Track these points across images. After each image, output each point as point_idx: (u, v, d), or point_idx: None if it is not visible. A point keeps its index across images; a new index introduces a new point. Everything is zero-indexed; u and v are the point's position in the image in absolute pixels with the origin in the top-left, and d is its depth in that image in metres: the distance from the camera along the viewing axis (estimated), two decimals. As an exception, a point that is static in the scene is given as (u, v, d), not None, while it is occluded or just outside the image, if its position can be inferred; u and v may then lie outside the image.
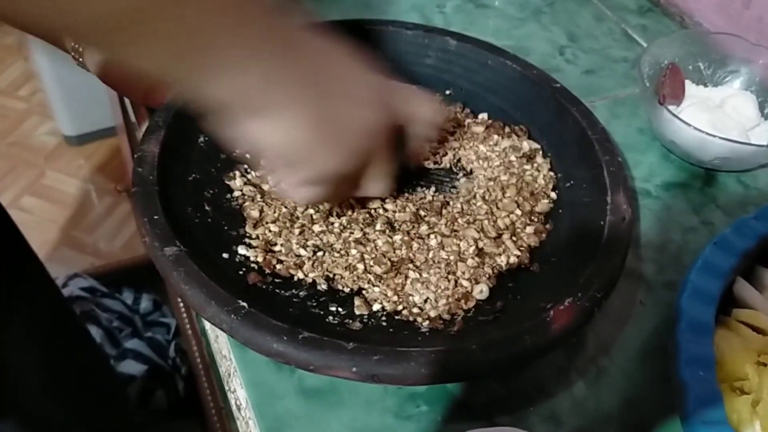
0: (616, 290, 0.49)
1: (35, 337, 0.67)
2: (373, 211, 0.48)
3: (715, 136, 0.54)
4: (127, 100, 0.78)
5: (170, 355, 1.37)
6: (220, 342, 0.45)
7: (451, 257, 0.46)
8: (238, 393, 0.43)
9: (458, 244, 0.47)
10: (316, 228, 0.47)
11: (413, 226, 0.48)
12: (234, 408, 0.43)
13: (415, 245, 0.46)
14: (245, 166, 0.50)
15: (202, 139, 0.49)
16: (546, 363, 0.45)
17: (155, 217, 0.41)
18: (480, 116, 0.57)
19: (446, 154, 0.54)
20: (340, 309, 0.43)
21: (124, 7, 0.29)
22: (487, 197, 0.50)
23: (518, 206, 0.50)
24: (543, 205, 0.51)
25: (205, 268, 0.39)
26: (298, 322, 0.37)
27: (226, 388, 0.44)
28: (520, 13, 0.74)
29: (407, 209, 0.49)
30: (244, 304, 0.37)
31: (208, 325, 0.46)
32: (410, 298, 0.44)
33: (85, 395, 0.81)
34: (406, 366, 0.36)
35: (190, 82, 0.34)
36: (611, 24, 0.74)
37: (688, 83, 0.62)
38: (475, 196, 0.51)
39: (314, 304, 0.43)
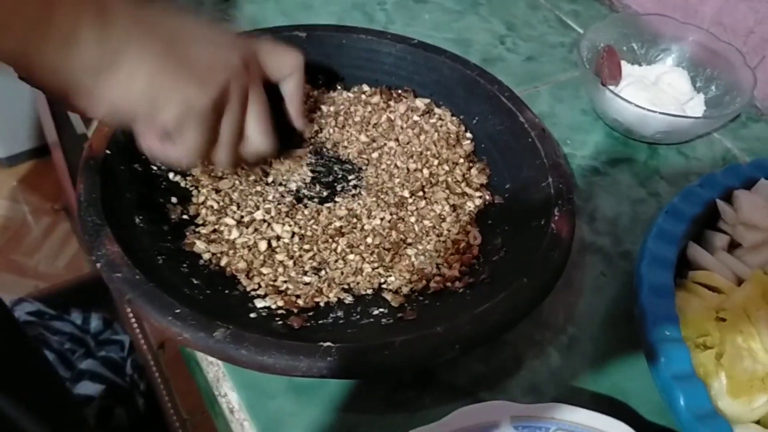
0: (577, 264, 0.52)
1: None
2: (335, 217, 0.49)
3: (655, 111, 0.57)
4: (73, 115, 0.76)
5: (127, 372, 1.35)
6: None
7: (434, 222, 0.49)
8: (229, 396, 0.43)
9: (433, 209, 0.50)
10: (304, 249, 0.47)
11: (388, 212, 0.49)
12: (226, 412, 0.44)
13: (401, 226, 0.48)
14: (192, 227, 0.48)
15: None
16: (521, 337, 0.47)
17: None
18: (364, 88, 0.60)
19: (354, 141, 0.56)
20: (382, 310, 0.44)
21: None
22: (419, 161, 0.53)
23: (451, 159, 0.54)
24: (467, 146, 0.55)
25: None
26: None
27: (216, 392, 0.45)
28: (458, 6, 0.76)
29: (367, 202, 0.50)
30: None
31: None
32: (424, 270, 0.46)
33: (45, 421, 0.79)
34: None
35: (40, 58, 0.35)
36: (545, 12, 0.77)
37: (624, 64, 0.65)
38: (408, 167, 0.53)
39: (357, 317, 0.43)
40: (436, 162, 0.53)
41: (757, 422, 0.41)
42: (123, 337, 1.41)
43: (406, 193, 0.51)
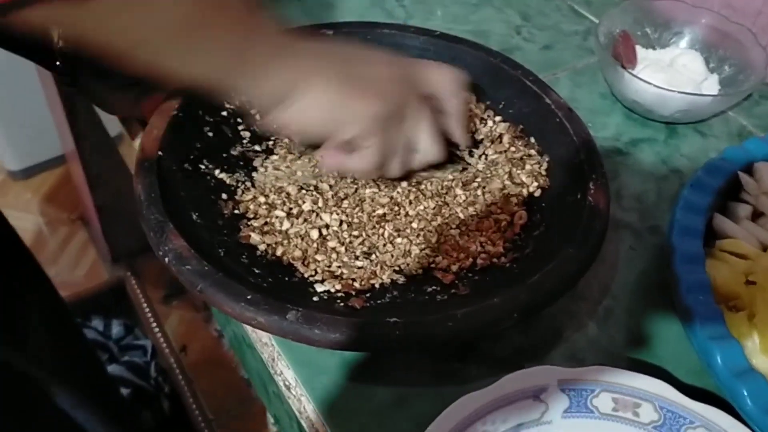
0: (608, 239, 0.54)
1: (54, 348, 0.69)
2: (378, 204, 0.51)
3: (673, 91, 0.59)
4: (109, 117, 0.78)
5: (152, 375, 1.37)
6: (258, 332, 0.48)
7: (481, 207, 0.51)
8: (285, 374, 0.45)
9: (484, 198, 0.52)
10: (354, 235, 0.49)
11: (440, 197, 0.51)
12: (283, 389, 0.46)
13: (445, 212, 0.50)
14: (245, 221, 0.49)
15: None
16: (559, 310, 0.49)
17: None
18: None
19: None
20: (435, 287, 0.46)
21: (177, 17, 0.32)
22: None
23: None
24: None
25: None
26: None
27: (271, 371, 0.47)
28: (473, -1, 0.79)
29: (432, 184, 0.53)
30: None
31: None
32: (470, 248, 0.48)
33: (109, 405, 0.83)
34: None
35: (239, 82, 0.41)
36: (558, 1, 0.80)
37: (638, 48, 0.68)
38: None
39: (412, 296, 0.45)
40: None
41: (791, 378, 0.43)
42: (145, 341, 1.43)
43: (455, 183, 0.52)
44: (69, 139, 1.30)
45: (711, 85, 0.65)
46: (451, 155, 0.54)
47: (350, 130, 0.46)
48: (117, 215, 1.45)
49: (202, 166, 0.52)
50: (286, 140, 0.54)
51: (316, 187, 0.51)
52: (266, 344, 0.47)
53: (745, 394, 0.39)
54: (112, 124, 0.76)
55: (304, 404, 0.44)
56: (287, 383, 0.45)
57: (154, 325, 1.46)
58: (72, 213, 1.68)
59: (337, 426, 0.43)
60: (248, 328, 0.49)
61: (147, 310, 1.48)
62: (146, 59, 0.39)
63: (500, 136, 0.56)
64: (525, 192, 0.52)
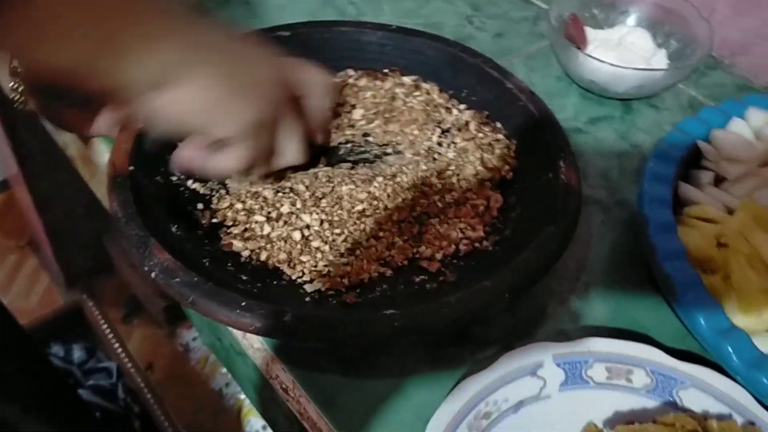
0: (580, 216, 0.55)
1: (23, 381, 0.67)
2: (357, 200, 0.51)
3: (627, 67, 0.61)
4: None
5: (120, 396, 1.34)
6: (249, 338, 0.47)
7: (458, 195, 0.52)
8: (281, 377, 0.45)
9: (460, 185, 0.52)
10: (336, 233, 0.49)
11: (416, 188, 0.52)
12: (280, 392, 0.46)
13: (424, 202, 0.51)
14: (224, 229, 0.49)
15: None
16: (541, 290, 0.50)
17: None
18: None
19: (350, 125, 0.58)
20: (423, 277, 0.46)
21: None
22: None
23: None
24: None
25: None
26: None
27: (267, 376, 0.47)
28: (421, -8, 0.79)
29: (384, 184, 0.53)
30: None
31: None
32: (451, 236, 0.49)
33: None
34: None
35: (111, 69, 0.38)
36: (504, -11, 0.81)
37: (588, 29, 0.70)
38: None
39: (402, 287, 0.46)
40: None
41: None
42: (109, 363, 1.40)
43: (430, 173, 0.53)
44: (12, 162, 1.26)
45: (660, 61, 0.68)
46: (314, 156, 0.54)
47: (224, 130, 0.44)
48: (69, 237, 1.41)
49: (174, 178, 0.51)
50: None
51: (291, 189, 0.51)
52: (258, 349, 0.47)
53: (731, 350, 0.41)
54: (65, 142, 0.74)
55: (303, 405, 0.44)
56: (284, 386, 0.45)
57: (117, 345, 1.43)
58: (20, 240, 1.63)
59: (340, 424, 0.43)
60: (238, 335, 0.48)
61: (108, 331, 1.44)
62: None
63: (467, 123, 0.57)
64: (497, 176, 0.53)
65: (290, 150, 0.49)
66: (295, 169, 0.52)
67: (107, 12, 0.38)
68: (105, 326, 1.45)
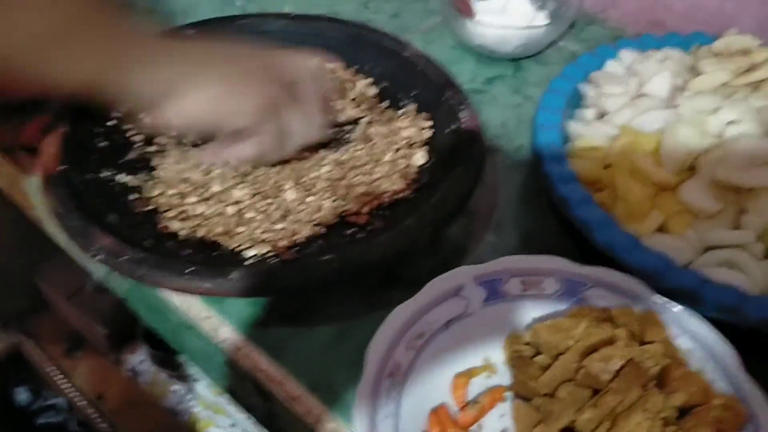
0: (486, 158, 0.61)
1: None
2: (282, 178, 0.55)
3: (510, 28, 0.67)
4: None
5: (71, 431, 1.33)
6: (196, 308, 0.51)
7: (385, 169, 0.56)
8: (232, 339, 0.49)
9: (381, 158, 0.56)
10: (268, 203, 0.52)
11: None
12: (232, 353, 0.49)
13: (350, 174, 0.55)
14: (161, 214, 0.52)
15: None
16: (459, 230, 0.56)
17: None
18: None
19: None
20: (354, 229, 0.50)
21: (50, 25, 0.36)
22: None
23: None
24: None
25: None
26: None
27: (217, 341, 0.50)
28: (315, -15, 0.84)
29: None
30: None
31: (177, 301, 0.51)
32: (375, 191, 0.53)
33: None
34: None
35: (120, 84, 0.44)
36: (394, -25, 0.87)
37: (473, 1, 0.76)
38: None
39: (336, 240, 0.50)
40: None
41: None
42: (56, 400, 1.38)
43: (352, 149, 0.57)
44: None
45: (541, 21, 0.74)
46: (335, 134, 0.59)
47: (239, 121, 0.49)
48: (-1, 277, 1.39)
49: (103, 175, 0.54)
50: (177, 136, 0.57)
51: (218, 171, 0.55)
52: (207, 317, 0.50)
53: (622, 248, 0.47)
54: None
55: (255, 360, 0.48)
56: (236, 345, 0.49)
57: (64, 380, 1.42)
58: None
59: (292, 370, 0.47)
60: (185, 308, 0.51)
61: (52, 368, 1.43)
62: (27, 70, 0.42)
63: (374, 95, 0.62)
64: (412, 136, 0.58)
65: (299, 131, 0.53)
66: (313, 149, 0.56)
67: (109, 30, 0.45)
68: (48, 364, 1.43)
